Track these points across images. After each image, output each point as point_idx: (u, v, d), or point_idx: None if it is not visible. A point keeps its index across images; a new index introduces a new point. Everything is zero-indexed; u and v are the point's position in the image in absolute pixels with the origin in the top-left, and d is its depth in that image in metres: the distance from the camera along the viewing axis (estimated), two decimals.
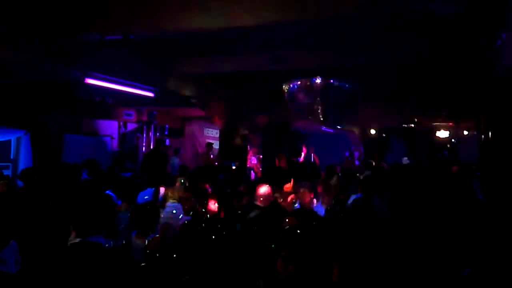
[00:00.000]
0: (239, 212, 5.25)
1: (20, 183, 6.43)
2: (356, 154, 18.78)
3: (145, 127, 13.82)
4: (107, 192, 5.62)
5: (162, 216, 5.04)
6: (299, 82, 9.39)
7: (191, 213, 5.11)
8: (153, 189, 6.16)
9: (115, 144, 12.69)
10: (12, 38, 6.68)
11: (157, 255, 3.27)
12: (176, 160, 12.53)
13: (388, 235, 3.47)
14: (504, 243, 3.11)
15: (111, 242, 3.87)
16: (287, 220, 4.02)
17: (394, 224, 4.16)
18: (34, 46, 6.96)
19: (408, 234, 3.63)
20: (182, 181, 6.74)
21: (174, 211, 5.24)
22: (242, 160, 12.97)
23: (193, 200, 5.30)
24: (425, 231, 3.66)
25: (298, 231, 3.40)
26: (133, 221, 4.28)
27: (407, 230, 3.76)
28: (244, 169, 12.73)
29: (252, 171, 13.42)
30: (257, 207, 5.18)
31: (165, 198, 5.47)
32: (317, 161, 15.31)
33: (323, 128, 15.52)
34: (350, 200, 5.97)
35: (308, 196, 5.57)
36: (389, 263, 2.28)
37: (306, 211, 5.23)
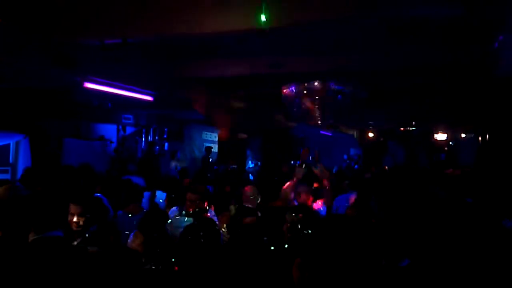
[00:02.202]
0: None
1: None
2: (355, 157, 18.80)
3: (144, 130, 13.84)
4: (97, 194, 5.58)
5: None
6: (297, 86, 9.43)
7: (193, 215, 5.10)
8: (150, 192, 6.19)
9: (114, 148, 12.69)
10: (11, 43, 6.70)
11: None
12: (173, 164, 12.53)
13: (384, 239, 3.47)
14: (501, 246, 3.12)
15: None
16: (290, 215, 3.97)
17: (389, 228, 4.16)
18: (33, 51, 6.98)
19: (404, 239, 3.63)
20: None
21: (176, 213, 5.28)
22: (241, 163, 12.99)
23: (198, 203, 5.28)
24: (422, 235, 3.66)
25: (303, 229, 3.40)
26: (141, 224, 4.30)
27: (401, 234, 3.75)
28: (243, 172, 12.74)
29: (250, 175, 13.43)
30: (247, 208, 5.27)
31: None
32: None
33: (322, 131, 15.54)
34: (339, 203, 5.99)
35: (308, 198, 5.61)
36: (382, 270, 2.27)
37: (307, 207, 5.24)
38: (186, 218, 5.07)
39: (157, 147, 13.26)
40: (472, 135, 15.98)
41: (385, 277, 2.74)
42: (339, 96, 9.37)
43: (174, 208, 5.44)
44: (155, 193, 6.12)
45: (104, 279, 3.02)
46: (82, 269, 2.97)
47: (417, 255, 3.01)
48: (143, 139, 13.75)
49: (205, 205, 5.27)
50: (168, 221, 5.20)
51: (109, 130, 12.77)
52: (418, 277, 2.86)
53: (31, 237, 3.01)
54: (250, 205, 5.39)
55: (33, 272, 2.78)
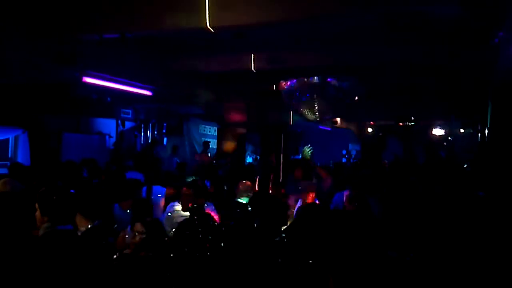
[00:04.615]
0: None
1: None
2: (353, 152, 18.83)
3: (143, 125, 13.85)
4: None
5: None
6: (295, 81, 9.41)
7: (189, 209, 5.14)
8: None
9: (112, 142, 12.70)
10: (10, 38, 6.70)
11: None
12: (174, 159, 12.55)
13: (381, 235, 3.49)
14: (504, 240, 3.14)
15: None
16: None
17: (386, 224, 4.19)
18: (31, 46, 6.97)
19: (401, 234, 3.66)
20: None
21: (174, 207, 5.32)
22: (239, 158, 12.99)
23: (193, 197, 5.32)
24: (420, 230, 3.68)
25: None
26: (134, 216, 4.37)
27: (399, 229, 3.78)
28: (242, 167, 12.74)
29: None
30: (240, 203, 5.36)
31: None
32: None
33: (320, 126, 15.55)
34: (336, 197, 6.02)
35: (311, 195, 5.67)
36: (382, 264, 2.30)
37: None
38: (183, 212, 5.12)
39: (158, 145, 13.27)
40: (471, 131, 15.98)
41: (395, 268, 2.77)
42: (338, 91, 9.36)
43: (174, 202, 5.48)
44: (151, 187, 6.16)
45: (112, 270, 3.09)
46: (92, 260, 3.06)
47: (419, 249, 3.04)
48: (142, 133, 13.76)
49: (202, 200, 5.31)
50: (168, 215, 5.26)
51: (108, 125, 12.77)
52: (419, 269, 2.89)
53: (42, 230, 3.05)
54: (243, 201, 5.51)
55: (49, 265, 2.83)
